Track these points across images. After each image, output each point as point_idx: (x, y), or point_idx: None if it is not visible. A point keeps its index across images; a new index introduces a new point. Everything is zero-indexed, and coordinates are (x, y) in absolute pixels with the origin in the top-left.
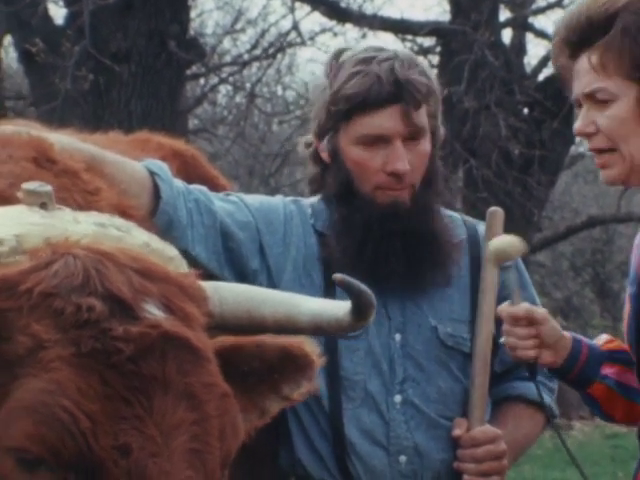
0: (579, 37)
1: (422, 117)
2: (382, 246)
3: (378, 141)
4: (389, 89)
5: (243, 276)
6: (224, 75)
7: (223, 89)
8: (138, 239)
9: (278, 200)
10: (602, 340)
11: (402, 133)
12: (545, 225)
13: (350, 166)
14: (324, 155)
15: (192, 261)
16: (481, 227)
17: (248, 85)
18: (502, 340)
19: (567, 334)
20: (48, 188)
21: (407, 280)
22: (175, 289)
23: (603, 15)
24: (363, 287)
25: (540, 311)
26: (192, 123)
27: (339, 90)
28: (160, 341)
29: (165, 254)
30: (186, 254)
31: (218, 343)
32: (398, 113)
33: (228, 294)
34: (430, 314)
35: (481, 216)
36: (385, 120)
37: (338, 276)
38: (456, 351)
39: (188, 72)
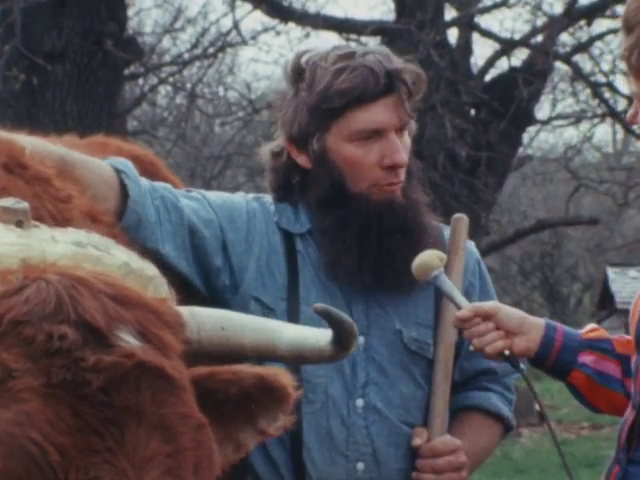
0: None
1: (410, 106)
2: (384, 244)
3: (373, 135)
4: (385, 81)
5: (207, 274)
6: (164, 75)
7: (163, 90)
8: (117, 258)
9: (240, 197)
10: (585, 329)
11: (396, 124)
12: (493, 229)
13: (342, 165)
14: (302, 161)
15: (160, 260)
16: (447, 231)
17: (188, 85)
18: (471, 347)
19: (538, 319)
20: (24, 205)
21: (407, 275)
22: (151, 316)
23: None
24: (344, 317)
25: (487, 303)
26: (131, 124)
27: (329, 87)
28: (134, 371)
29: (145, 274)
30: (155, 253)
31: (194, 371)
32: (392, 104)
33: (206, 320)
34: (395, 317)
35: None
36: (381, 113)
37: (318, 306)
38: (419, 356)
39: (126, 72)
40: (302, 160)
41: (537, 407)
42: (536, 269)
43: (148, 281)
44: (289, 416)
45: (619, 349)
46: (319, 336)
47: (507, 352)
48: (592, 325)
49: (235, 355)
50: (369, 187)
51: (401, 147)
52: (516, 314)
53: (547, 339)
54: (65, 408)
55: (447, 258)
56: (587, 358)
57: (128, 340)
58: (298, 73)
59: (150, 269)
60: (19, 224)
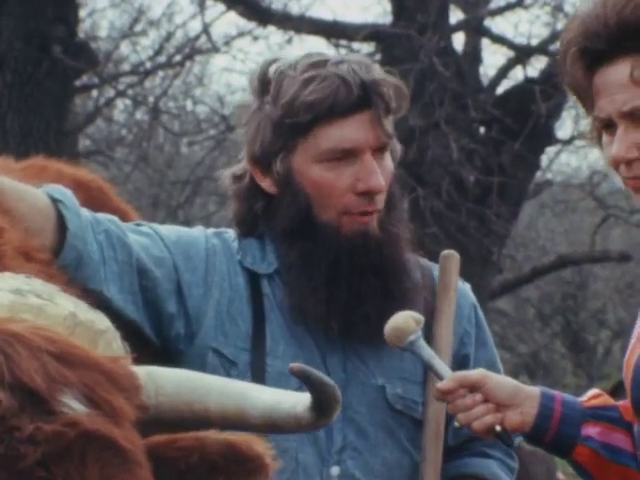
0: (608, 45)
1: (390, 125)
2: (355, 285)
3: (346, 156)
4: (358, 93)
5: (158, 321)
6: (122, 87)
7: (121, 104)
8: (63, 308)
9: (199, 232)
10: (587, 395)
11: (372, 144)
12: (506, 266)
13: (310, 190)
14: (266, 185)
15: (105, 305)
16: (437, 272)
17: (151, 99)
18: (456, 424)
19: (533, 388)
20: None
21: (379, 325)
22: (100, 377)
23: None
24: (325, 379)
25: (474, 372)
26: (83, 144)
27: (295, 99)
28: (79, 441)
29: (95, 327)
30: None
31: (150, 439)
32: (367, 121)
33: (166, 382)
34: (377, 371)
35: (430, 255)
36: (354, 130)
37: (295, 366)
38: (406, 417)
39: (77, 83)
40: (266, 184)
41: (560, 476)
42: (557, 313)
43: (98, 335)
44: None
45: (627, 417)
46: (295, 401)
47: (498, 428)
48: (595, 391)
49: (200, 423)
50: (339, 215)
51: (378, 170)
52: (508, 383)
53: (544, 410)
54: None
55: (436, 302)
56: (592, 430)
57: (72, 406)
58: (264, 83)
59: (101, 321)
60: None
